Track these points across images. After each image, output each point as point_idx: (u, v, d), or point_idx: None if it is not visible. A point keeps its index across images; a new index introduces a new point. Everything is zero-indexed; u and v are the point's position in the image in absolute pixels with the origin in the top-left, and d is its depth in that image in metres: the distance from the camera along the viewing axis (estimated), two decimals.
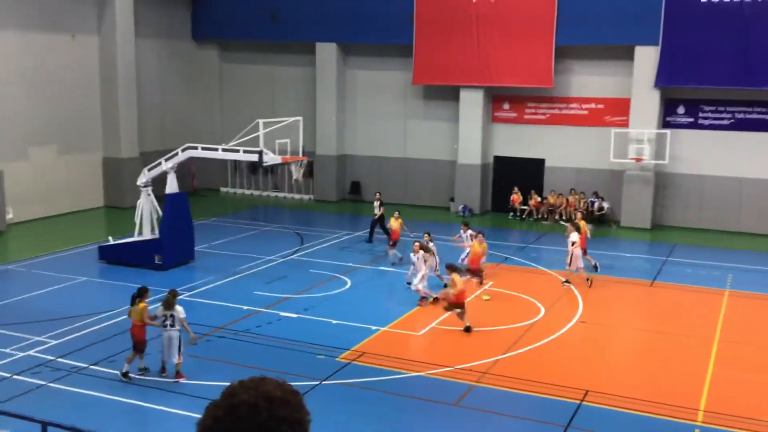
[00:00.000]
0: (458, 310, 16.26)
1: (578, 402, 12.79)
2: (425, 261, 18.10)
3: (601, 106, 28.62)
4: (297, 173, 22.00)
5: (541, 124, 29.53)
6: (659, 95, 27.06)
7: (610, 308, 18.58)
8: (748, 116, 26.75)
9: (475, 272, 19.07)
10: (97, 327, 15.99)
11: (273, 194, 33.48)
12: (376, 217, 24.26)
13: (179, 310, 13.18)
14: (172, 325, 13.07)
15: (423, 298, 17.95)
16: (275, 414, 2.03)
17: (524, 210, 29.25)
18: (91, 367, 13.83)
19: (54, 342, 15.05)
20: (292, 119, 22.36)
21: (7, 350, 14.53)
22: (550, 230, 27.25)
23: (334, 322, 16.66)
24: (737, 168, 26.88)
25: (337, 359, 14.46)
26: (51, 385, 13.04)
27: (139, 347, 13.42)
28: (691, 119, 27.47)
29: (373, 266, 21.53)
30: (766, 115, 26.51)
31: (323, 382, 13.29)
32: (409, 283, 18.71)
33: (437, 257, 19.09)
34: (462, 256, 20.62)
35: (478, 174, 29.77)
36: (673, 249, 24.52)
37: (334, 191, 32.18)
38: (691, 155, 27.40)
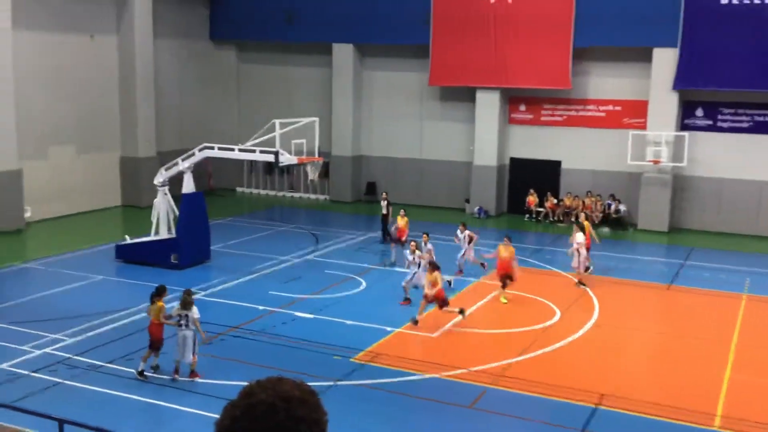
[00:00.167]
0: (446, 308, 16.37)
1: (593, 406, 12.72)
2: (418, 261, 17.96)
3: (618, 108, 28.46)
4: (313, 174, 22.03)
5: (557, 125, 29.41)
6: (677, 97, 26.87)
7: (626, 311, 18.45)
8: (767, 119, 26.51)
9: (503, 278, 18.46)
10: (114, 325, 16.09)
11: (289, 194, 33.57)
12: (383, 216, 24.21)
13: (194, 310, 13.21)
14: (186, 325, 13.11)
15: (407, 298, 17.92)
16: (293, 414, 2.03)
17: (540, 212, 29.13)
18: (108, 365, 13.92)
19: (71, 340, 15.16)
20: (308, 120, 22.41)
21: (25, 347, 14.65)
22: (566, 232, 27.07)
23: (349, 322, 16.66)
24: (756, 171, 26.63)
25: (351, 360, 14.47)
26: (67, 382, 13.14)
27: (155, 345, 13.49)
28: (710, 122, 27.26)
29: (388, 267, 21.51)
30: None
31: (338, 383, 13.30)
32: (416, 286, 18.67)
33: (433, 257, 19.09)
34: (458, 255, 20.59)
35: (494, 175, 29.70)
36: (691, 252, 24.33)
37: (349, 192, 32.21)
38: (709, 158, 27.18)
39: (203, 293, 18.32)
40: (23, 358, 14.16)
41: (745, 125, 26.80)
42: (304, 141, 21.98)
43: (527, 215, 29.30)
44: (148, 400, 12.61)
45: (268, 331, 15.91)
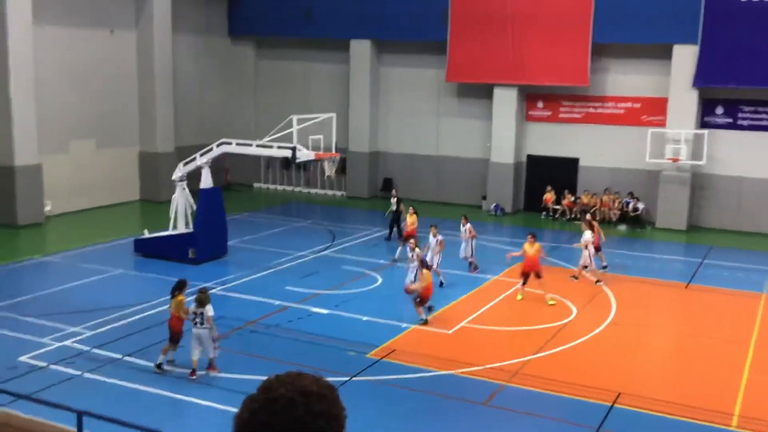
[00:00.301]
0: (427, 305, 16.46)
1: (610, 404, 12.67)
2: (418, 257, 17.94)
3: (637, 105, 28.26)
4: (330, 170, 22.09)
5: (575, 122, 29.25)
6: (697, 95, 26.64)
7: (643, 310, 18.35)
8: None
9: (526, 275, 18.18)
10: (132, 319, 16.22)
11: (305, 190, 33.64)
12: (393, 213, 24.13)
13: (208, 308, 13.24)
14: (201, 323, 13.16)
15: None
16: (312, 409, 2.04)
17: (557, 210, 29.01)
18: (126, 358, 14.04)
19: (89, 333, 15.30)
20: (325, 116, 22.46)
21: (44, 340, 14.81)
22: (584, 230, 26.95)
23: (365, 318, 16.70)
24: None
25: (367, 356, 14.50)
26: (86, 375, 13.26)
27: (174, 338, 13.60)
28: (730, 120, 27.01)
29: (405, 263, 21.48)
30: None
31: (353, 379, 13.34)
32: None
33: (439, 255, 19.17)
34: (461, 250, 20.65)
35: (511, 173, 29.60)
36: (710, 251, 24.14)
37: (366, 188, 32.24)
38: (729, 156, 26.93)
39: (220, 288, 18.42)
40: (42, 350, 14.32)
41: (765, 123, 26.51)
42: (321, 137, 22.02)
43: (544, 213, 29.18)
44: (166, 393, 12.71)
45: (284, 326, 15.97)
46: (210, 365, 13.41)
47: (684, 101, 26.69)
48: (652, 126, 27.37)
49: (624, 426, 11.96)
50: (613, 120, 28.62)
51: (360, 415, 11.60)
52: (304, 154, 20.34)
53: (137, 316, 16.37)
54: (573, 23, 27.54)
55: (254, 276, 19.81)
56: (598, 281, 19.79)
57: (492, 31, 28.68)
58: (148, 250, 21.35)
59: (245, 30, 33.89)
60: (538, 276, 18.12)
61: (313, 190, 33.47)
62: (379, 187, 32.56)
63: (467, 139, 30.92)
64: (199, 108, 32.96)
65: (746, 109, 26.75)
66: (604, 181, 28.87)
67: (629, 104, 28.38)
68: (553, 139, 29.60)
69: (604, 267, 20.82)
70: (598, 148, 28.93)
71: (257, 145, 21.54)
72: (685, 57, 26.39)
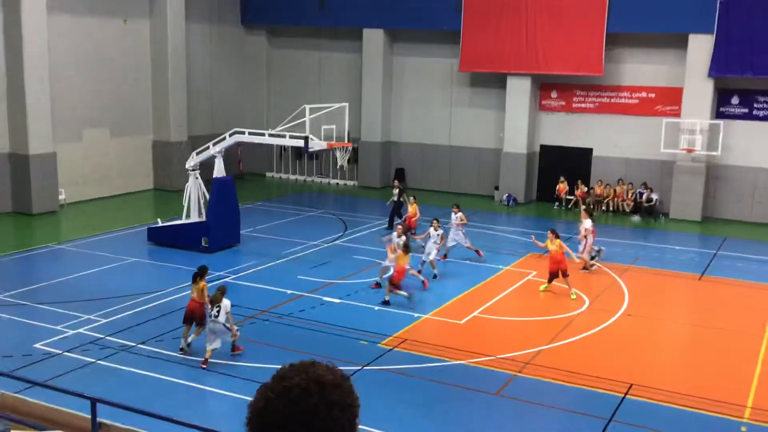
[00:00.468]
0: (393, 287, 16.68)
1: (622, 395, 12.64)
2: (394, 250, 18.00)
3: (652, 95, 28.06)
4: (342, 159, 22.09)
5: (589, 112, 29.09)
6: (713, 85, 26.40)
7: (657, 302, 18.27)
8: None
9: (553, 273, 17.96)
10: (145, 307, 16.32)
11: (317, 180, 33.67)
12: (394, 202, 24.10)
13: (226, 303, 13.33)
14: (217, 316, 13.24)
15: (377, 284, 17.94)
16: (326, 398, 2.05)
17: (570, 200, 28.89)
18: (139, 345, 14.14)
19: (104, 320, 15.42)
20: (338, 105, 22.43)
21: (59, 327, 14.93)
22: (596, 221, 26.84)
23: (377, 308, 16.73)
24: None
25: (378, 345, 14.53)
26: (100, 362, 13.37)
27: (199, 321, 13.76)
28: (746, 110, 26.77)
29: (418, 254, 21.49)
30: None
31: (365, 368, 13.38)
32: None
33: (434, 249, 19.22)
34: (460, 240, 20.66)
35: (524, 163, 29.49)
36: (724, 242, 23.98)
37: (378, 178, 32.22)
38: (744, 147, 26.70)
39: (232, 277, 18.50)
40: (57, 337, 14.44)
41: None
42: (333, 126, 22.01)
43: (557, 203, 29.07)
44: (180, 381, 12.79)
45: (297, 316, 16.03)
46: (234, 347, 13.59)
47: (699, 91, 26.47)
48: (666, 116, 27.18)
49: (636, 417, 11.93)
50: (628, 110, 28.44)
51: (372, 404, 11.64)
52: (317, 144, 20.34)
53: (151, 304, 16.47)
54: (587, 12, 27.34)
55: (266, 265, 19.87)
56: (584, 268, 19.77)
57: (506, 20, 28.51)
58: (161, 238, 21.46)
59: (258, 19, 33.86)
60: (564, 275, 17.80)
61: (325, 180, 33.50)
62: (392, 177, 32.53)
63: (480, 129, 30.82)
64: (212, 97, 33.02)
65: (762, 99, 26.50)
66: (617, 171, 28.71)
67: (644, 94, 28.18)
68: (566, 129, 29.45)
69: (593, 257, 20.73)
70: (612, 138, 28.76)
71: (270, 135, 21.56)
72: (701, 46, 26.15)
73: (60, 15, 25.99)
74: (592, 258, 20.35)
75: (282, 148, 32.90)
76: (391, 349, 14.36)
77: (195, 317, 13.83)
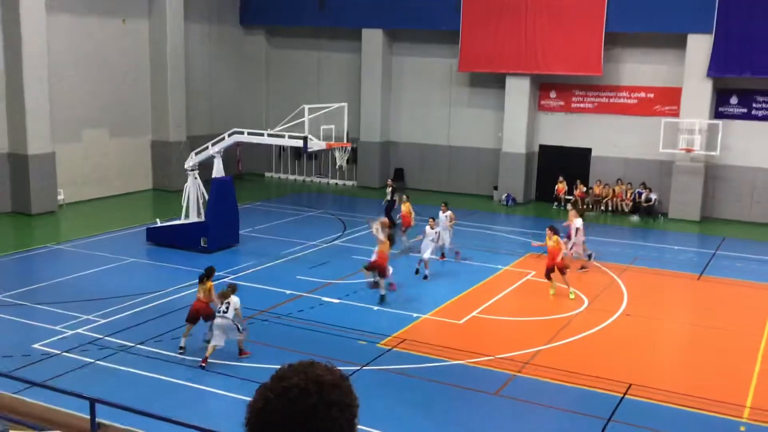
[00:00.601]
0: (375, 277, 16.93)
1: (621, 395, 12.65)
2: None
3: (651, 95, 28.08)
4: (341, 159, 22.09)
5: (588, 112, 29.10)
6: (711, 85, 26.42)
7: (655, 301, 18.28)
8: None
9: (549, 271, 17.86)
10: (144, 307, 16.31)
11: (316, 180, 33.67)
12: (388, 202, 24.12)
13: (235, 300, 13.40)
14: (225, 312, 13.28)
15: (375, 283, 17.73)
16: (325, 398, 2.05)
17: (569, 200, 28.88)
18: (138, 346, 14.13)
19: (102, 321, 15.40)
20: (337, 105, 22.43)
21: (57, 328, 14.92)
22: (595, 221, 26.91)
23: (376, 308, 16.72)
24: None
25: (377, 345, 14.53)
26: (99, 362, 13.36)
27: (207, 318, 13.79)
28: (744, 110, 26.78)
29: (416, 254, 21.49)
30: None
31: (364, 368, 13.37)
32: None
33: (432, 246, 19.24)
34: (443, 239, 20.55)
35: (523, 163, 29.49)
36: (723, 242, 24.00)
37: (377, 178, 32.21)
38: (743, 147, 26.72)
39: (231, 277, 18.48)
40: (56, 338, 14.42)
41: None
42: (332, 126, 22.01)
43: (556, 203, 29.08)
44: (179, 381, 12.78)
45: (295, 316, 16.02)
46: (240, 351, 13.62)
47: (698, 91, 26.48)
48: (665, 116, 27.19)
49: (635, 417, 11.93)
50: (627, 110, 28.45)
51: (371, 404, 11.63)
52: (316, 144, 20.34)
53: (150, 304, 16.45)
54: (586, 12, 27.35)
55: (265, 265, 19.86)
56: (582, 267, 19.86)
57: (505, 20, 28.52)
58: (160, 238, 21.45)
59: (257, 19, 33.85)
60: (562, 272, 17.74)
61: (324, 180, 33.49)
62: (391, 176, 32.52)
63: (479, 129, 30.83)
64: (211, 97, 33.01)
65: (761, 99, 26.52)
66: (616, 171, 28.72)
67: (642, 94, 28.19)
68: (565, 129, 29.47)
69: (587, 255, 20.76)
70: (610, 138, 28.78)
71: (269, 135, 21.56)
72: (700, 46, 26.16)
73: (59, 15, 25.97)
74: (588, 258, 20.37)
75: (281, 148, 32.89)
76: (390, 349, 14.36)
77: (200, 316, 13.90)
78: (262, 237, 22.88)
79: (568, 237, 20.26)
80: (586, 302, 17.60)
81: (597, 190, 28.60)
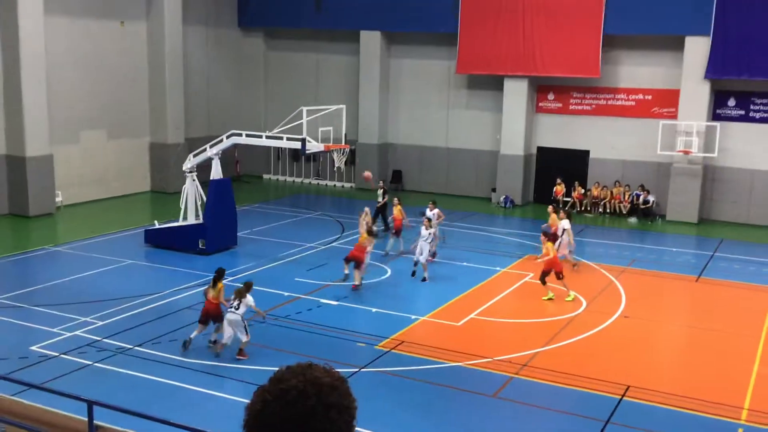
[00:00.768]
0: (358, 271, 17.46)
1: (619, 397, 12.65)
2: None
3: (649, 97, 28.10)
4: (339, 161, 22.09)
5: (586, 114, 29.12)
6: (709, 87, 26.45)
7: (654, 303, 18.29)
8: None
9: (543, 275, 17.84)
10: (142, 309, 16.30)
11: (315, 182, 33.66)
12: (379, 204, 24.15)
13: (249, 299, 13.64)
14: (237, 308, 13.43)
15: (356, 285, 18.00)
16: (323, 400, 2.05)
17: (567, 202, 28.90)
18: (136, 348, 14.12)
19: (100, 323, 15.39)
20: (335, 107, 22.44)
21: (55, 330, 14.90)
22: (593, 223, 26.94)
23: (374, 310, 16.72)
24: None
25: (376, 347, 14.52)
26: (97, 365, 13.34)
27: (217, 320, 13.93)
28: (742, 112, 26.82)
29: (413, 255, 21.49)
30: None
31: (362, 370, 13.37)
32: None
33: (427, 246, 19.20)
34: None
35: (521, 165, 29.51)
36: (721, 244, 24.02)
37: (375, 180, 32.15)
38: (741, 149, 26.76)
39: (230, 278, 18.45)
40: (54, 340, 14.41)
41: None
42: (331, 128, 22.03)
43: (553, 205, 29.02)
44: (177, 383, 12.77)
45: (293, 318, 16.01)
46: (240, 351, 13.68)
47: (696, 93, 26.52)
48: (663, 118, 27.22)
49: (633, 419, 11.94)
50: (624, 112, 28.48)
51: (369, 406, 11.62)
52: (314, 146, 20.34)
53: (148, 306, 16.44)
54: (584, 14, 27.38)
55: (263, 267, 19.85)
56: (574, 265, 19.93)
57: (503, 23, 28.54)
58: (158, 240, 21.43)
59: (255, 21, 33.86)
60: (558, 276, 17.69)
61: (322, 182, 33.49)
62: (389, 178, 32.53)
63: (477, 131, 30.84)
64: (209, 99, 33.01)
65: (759, 101, 26.56)
66: (614, 173, 28.75)
67: (640, 96, 28.23)
68: (563, 131, 29.48)
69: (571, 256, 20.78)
70: (608, 140, 28.80)
71: (267, 137, 21.56)
72: (698, 48, 26.20)
73: (57, 16, 25.96)
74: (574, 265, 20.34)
75: (279, 150, 32.89)
76: (388, 351, 14.35)
77: (210, 317, 14.03)
78: (260, 239, 22.87)
79: (555, 238, 20.24)
80: (584, 304, 17.60)
81: (595, 192, 28.62)
